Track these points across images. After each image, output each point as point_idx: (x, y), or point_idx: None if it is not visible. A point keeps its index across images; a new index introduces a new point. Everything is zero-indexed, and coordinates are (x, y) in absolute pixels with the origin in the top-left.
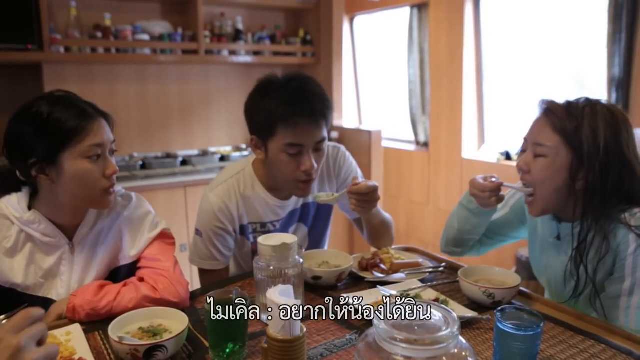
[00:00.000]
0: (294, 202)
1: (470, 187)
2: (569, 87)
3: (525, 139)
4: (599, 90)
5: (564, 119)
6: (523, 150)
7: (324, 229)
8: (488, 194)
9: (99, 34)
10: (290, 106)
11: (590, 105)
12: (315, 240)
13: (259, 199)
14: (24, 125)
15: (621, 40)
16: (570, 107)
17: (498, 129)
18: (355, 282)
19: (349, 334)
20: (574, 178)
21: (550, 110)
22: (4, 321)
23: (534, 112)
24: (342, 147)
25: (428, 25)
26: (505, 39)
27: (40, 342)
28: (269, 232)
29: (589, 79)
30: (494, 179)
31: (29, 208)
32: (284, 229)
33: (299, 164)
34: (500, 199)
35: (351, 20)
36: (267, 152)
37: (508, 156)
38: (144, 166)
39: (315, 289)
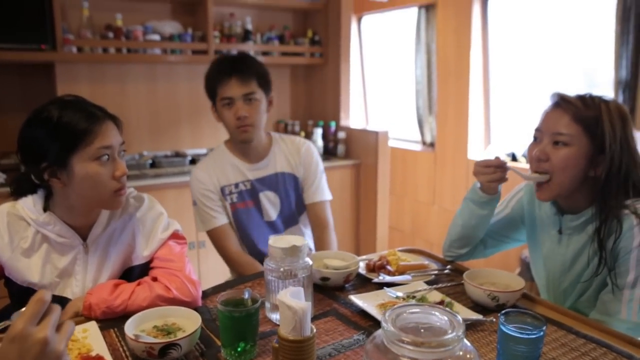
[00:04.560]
0: (262, 169)
1: (474, 169)
2: (577, 88)
3: (539, 130)
4: (606, 91)
5: (582, 110)
6: (536, 141)
7: (299, 203)
8: (492, 169)
9: (111, 34)
10: (218, 69)
11: (603, 100)
12: (288, 211)
13: (229, 163)
14: (35, 129)
15: (629, 42)
16: (586, 100)
17: (504, 130)
18: (363, 283)
19: (356, 334)
20: (593, 166)
21: (567, 101)
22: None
23: (545, 104)
24: (309, 142)
25: (435, 25)
26: (512, 40)
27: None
28: (241, 192)
29: (596, 80)
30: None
31: (44, 210)
32: (256, 192)
33: (233, 113)
34: (503, 177)
35: (359, 20)
36: (218, 113)
37: (514, 157)
38: (153, 165)
39: (323, 289)
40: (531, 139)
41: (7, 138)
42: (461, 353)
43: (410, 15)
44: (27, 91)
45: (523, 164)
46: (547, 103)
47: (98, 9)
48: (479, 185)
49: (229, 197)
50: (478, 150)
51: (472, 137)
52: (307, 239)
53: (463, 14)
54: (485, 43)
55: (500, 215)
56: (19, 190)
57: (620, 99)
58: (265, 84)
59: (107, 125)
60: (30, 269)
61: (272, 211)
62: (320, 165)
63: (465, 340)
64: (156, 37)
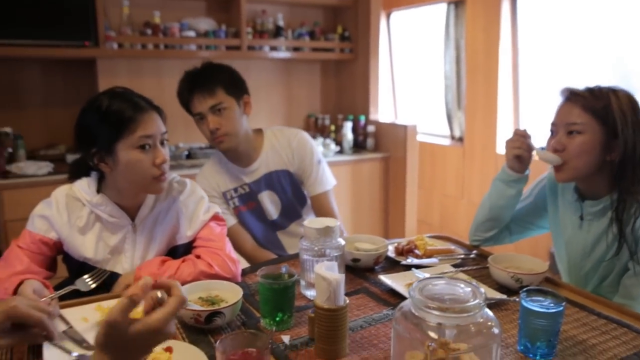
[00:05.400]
0: (256, 171)
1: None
2: (608, 81)
3: (554, 124)
4: (638, 84)
5: (591, 100)
6: (553, 135)
7: (299, 197)
8: (517, 137)
9: (149, 31)
10: (183, 87)
11: (611, 89)
12: (289, 207)
13: (225, 169)
14: (88, 116)
15: None
16: (594, 91)
17: (534, 125)
18: (391, 265)
19: (385, 310)
20: (607, 151)
21: (576, 94)
22: (88, 279)
23: (557, 100)
24: (301, 133)
25: (464, 21)
26: (542, 34)
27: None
28: (241, 195)
29: (628, 72)
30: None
31: (97, 191)
32: (255, 194)
33: (207, 127)
34: (525, 147)
35: (388, 16)
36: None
37: None
38: (189, 156)
39: (354, 270)
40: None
41: (53, 130)
42: (482, 320)
43: (439, 11)
44: (71, 86)
45: None
46: (559, 99)
47: (137, 6)
48: (507, 165)
49: (231, 201)
50: None
51: (501, 132)
52: None
53: (492, 10)
54: (515, 38)
55: (524, 203)
56: (75, 173)
57: None
58: (233, 89)
59: (150, 115)
60: (85, 246)
61: (273, 210)
62: (316, 154)
63: (487, 310)
64: (192, 34)
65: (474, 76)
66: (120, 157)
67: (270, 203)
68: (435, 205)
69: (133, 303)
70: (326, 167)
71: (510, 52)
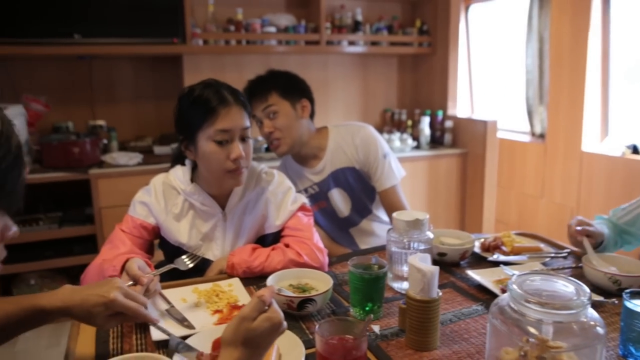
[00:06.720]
0: (323, 170)
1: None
2: None
3: None
4: None
5: None
6: None
7: (367, 193)
8: (580, 236)
9: (232, 27)
10: (245, 94)
11: None
12: (359, 203)
13: (294, 171)
14: (182, 103)
15: None
16: None
17: (624, 120)
18: (478, 261)
19: (475, 305)
20: None
21: None
22: (186, 259)
23: None
24: (365, 129)
25: (550, 11)
26: (637, 24)
27: None
28: (311, 195)
29: None
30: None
31: (191, 181)
32: (325, 193)
33: (262, 131)
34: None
35: (466, 9)
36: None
37: (635, 149)
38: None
39: (439, 264)
40: None
41: (142, 123)
42: (585, 319)
43: (520, 3)
44: (158, 81)
45: None
46: None
47: (221, 4)
48: None
49: None
50: (593, 142)
51: (587, 128)
52: (385, 226)
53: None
54: (606, 29)
55: (636, 212)
56: (175, 161)
57: None
58: (289, 93)
59: (232, 109)
60: (179, 232)
61: (344, 207)
62: (381, 149)
63: (592, 310)
64: (272, 29)
65: (558, 70)
66: (200, 147)
67: (340, 200)
68: (513, 204)
69: (263, 303)
70: (393, 159)
71: (600, 45)
